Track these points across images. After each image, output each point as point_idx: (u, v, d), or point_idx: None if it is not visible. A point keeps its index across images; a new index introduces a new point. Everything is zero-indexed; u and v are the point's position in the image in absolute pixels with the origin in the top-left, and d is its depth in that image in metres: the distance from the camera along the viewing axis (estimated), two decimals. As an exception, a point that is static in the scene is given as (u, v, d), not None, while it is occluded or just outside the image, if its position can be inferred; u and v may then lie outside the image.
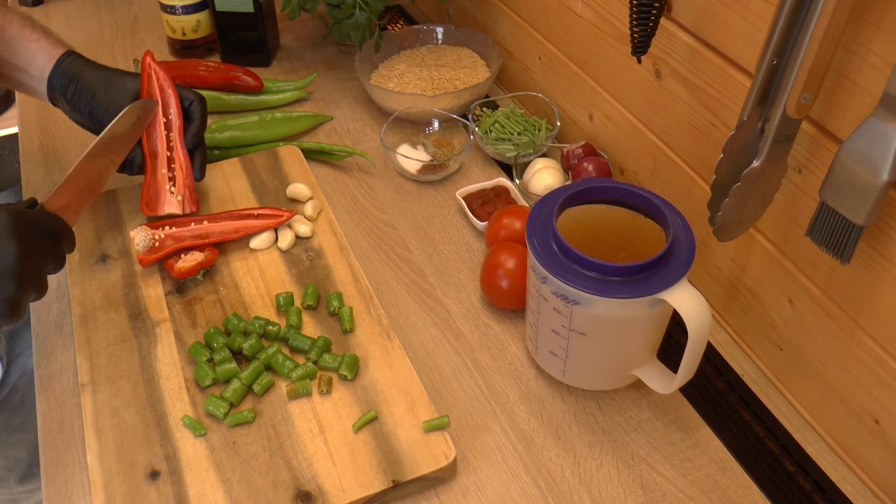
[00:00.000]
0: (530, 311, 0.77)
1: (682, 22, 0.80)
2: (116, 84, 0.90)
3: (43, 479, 0.72)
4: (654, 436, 0.76)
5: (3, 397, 1.10)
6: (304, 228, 0.92)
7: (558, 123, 1.07)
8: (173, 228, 0.89)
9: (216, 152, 1.07)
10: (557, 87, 1.10)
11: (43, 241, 0.73)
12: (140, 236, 0.87)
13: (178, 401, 0.76)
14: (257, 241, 0.91)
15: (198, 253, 0.88)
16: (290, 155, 1.04)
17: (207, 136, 1.07)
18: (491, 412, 0.78)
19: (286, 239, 0.91)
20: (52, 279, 0.89)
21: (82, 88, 0.89)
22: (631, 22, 0.74)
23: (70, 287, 0.87)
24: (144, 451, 0.71)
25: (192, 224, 0.90)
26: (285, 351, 0.80)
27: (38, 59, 0.90)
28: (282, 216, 0.92)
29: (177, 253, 0.88)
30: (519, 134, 1.08)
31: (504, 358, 0.83)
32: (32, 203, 0.77)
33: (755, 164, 0.64)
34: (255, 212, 0.93)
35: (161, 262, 0.88)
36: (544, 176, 0.97)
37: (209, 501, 0.68)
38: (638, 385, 0.78)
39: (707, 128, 0.80)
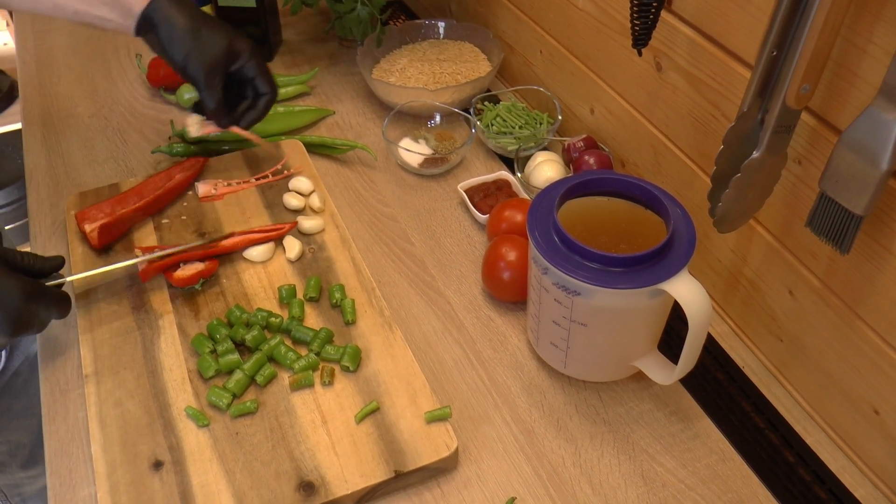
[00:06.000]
0: (531, 302, 0.77)
1: (682, 14, 0.80)
2: (208, 45, 0.87)
3: (47, 469, 0.73)
4: (655, 427, 0.76)
5: (6, 382, 1.10)
6: (309, 224, 0.93)
7: (559, 117, 1.07)
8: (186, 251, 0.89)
9: (223, 147, 1.07)
10: (559, 81, 1.10)
11: (38, 316, 0.74)
12: (192, 120, 0.92)
13: (181, 392, 0.76)
14: (257, 252, 0.90)
15: (198, 262, 0.88)
16: (293, 149, 1.05)
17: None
18: (492, 403, 0.78)
19: (294, 249, 0.90)
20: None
21: (171, 41, 0.86)
22: (632, 15, 0.75)
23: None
24: (148, 442, 0.72)
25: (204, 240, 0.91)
26: (288, 342, 0.80)
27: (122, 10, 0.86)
28: (282, 229, 0.92)
29: (176, 263, 0.87)
30: (520, 127, 1.08)
31: (505, 349, 0.83)
32: (61, 263, 0.80)
33: (755, 155, 0.64)
34: (256, 229, 0.92)
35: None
36: (545, 169, 0.97)
37: (212, 491, 0.68)
38: (639, 376, 0.79)
39: (708, 120, 0.80)
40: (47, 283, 0.77)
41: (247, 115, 0.93)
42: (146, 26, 0.86)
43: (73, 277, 0.82)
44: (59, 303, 0.76)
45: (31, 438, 1.12)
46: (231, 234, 0.91)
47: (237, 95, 0.93)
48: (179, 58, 0.87)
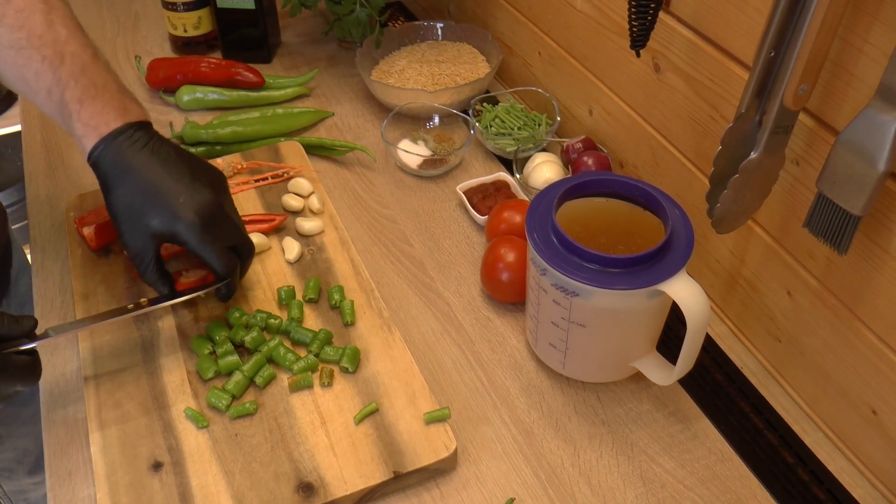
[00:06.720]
0: (530, 303, 0.77)
1: (680, 15, 0.80)
2: (140, 219, 0.73)
3: (47, 470, 0.73)
4: (654, 427, 0.76)
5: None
6: (309, 225, 0.93)
7: (558, 118, 1.07)
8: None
9: (218, 147, 1.08)
10: (557, 82, 1.10)
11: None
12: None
13: (180, 393, 0.76)
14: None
15: (200, 270, 0.85)
16: (292, 150, 1.05)
17: (209, 131, 1.07)
18: (491, 404, 0.78)
19: (293, 251, 0.90)
20: (55, 271, 0.90)
21: (106, 204, 0.75)
22: (630, 16, 0.75)
23: (73, 280, 0.87)
24: (147, 443, 0.72)
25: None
26: (287, 344, 0.80)
27: (79, 145, 0.75)
28: (273, 220, 0.92)
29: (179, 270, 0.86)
30: (519, 129, 1.08)
31: (504, 350, 0.83)
32: (32, 325, 0.69)
33: (753, 155, 0.64)
34: (247, 218, 0.92)
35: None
36: (544, 170, 0.97)
37: (211, 492, 0.68)
38: (638, 377, 0.79)
39: (706, 121, 0.80)
40: (13, 350, 0.67)
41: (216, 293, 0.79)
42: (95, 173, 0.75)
43: (37, 342, 0.69)
44: (25, 373, 0.67)
45: (38, 445, 1.12)
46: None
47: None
48: (114, 223, 0.75)
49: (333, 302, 0.84)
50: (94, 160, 0.74)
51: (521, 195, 0.99)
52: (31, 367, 0.68)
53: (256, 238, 0.90)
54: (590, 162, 0.97)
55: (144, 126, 0.76)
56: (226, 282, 0.78)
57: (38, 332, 0.70)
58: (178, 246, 0.76)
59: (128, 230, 0.74)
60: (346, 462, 0.70)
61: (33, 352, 0.69)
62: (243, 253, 0.79)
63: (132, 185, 0.73)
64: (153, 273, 0.76)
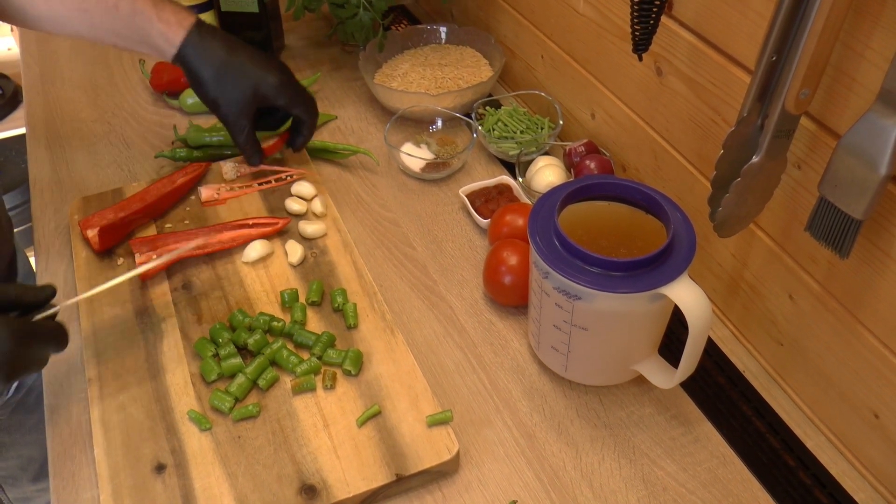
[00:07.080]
0: (532, 306, 0.77)
1: (682, 19, 0.80)
2: (236, 88, 0.89)
3: (51, 472, 0.73)
4: (656, 430, 0.76)
5: (19, 399, 1.11)
6: (312, 228, 0.93)
7: (561, 122, 1.07)
8: (179, 244, 0.89)
9: (225, 151, 1.08)
10: (560, 86, 1.10)
11: (34, 356, 0.69)
12: (228, 167, 1.01)
13: (183, 395, 0.76)
14: (255, 252, 0.90)
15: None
16: (295, 153, 1.05)
17: (213, 134, 1.07)
18: (493, 407, 0.78)
19: (296, 254, 0.90)
20: (59, 274, 0.91)
21: (199, 87, 0.90)
22: (632, 20, 0.75)
23: (77, 283, 0.87)
24: (150, 445, 0.72)
25: (192, 241, 0.90)
26: (290, 346, 0.80)
27: (158, 44, 0.88)
28: (276, 223, 0.93)
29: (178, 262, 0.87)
30: (522, 132, 1.09)
31: (506, 353, 0.84)
32: (52, 293, 0.71)
33: (755, 159, 0.64)
34: (250, 221, 0.93)
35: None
36: (547, 174, 0.98)
37: (214, 494, 0.69)
38: (639, 380, 0.79)
39: (708, 124, 0.81)
40: (38, 317, 0.69)
41: (291, 143, 1.00)
42: (180, 64, 0.90)
43: (64, 304, 0.72)
44: (55, 337, 0.70)
45: (42, 453, 1.12)
46: (225, 224, 0.92)
47: (276, 123, 0.99)
48: (208, 101, 0.91)
49: (336, 305, 0.84)
50: (184, 52, 0.88)
51: (524, 198, 0.99)
52: (60, 331, 0.70)
53: (260, 246, 0.90)
54: (592, 165, 0.97)
55: (206, 24, 0.91)
56: (310, 124, 0.97)
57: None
58: (266, 103, 0.92)
59: (227, 102, 0.90)
60: (349, 464, 0.70)
61: (55, 319, 0.72)
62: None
63: (223, 63, 0.88)
64: (251, 140, 0.93)
